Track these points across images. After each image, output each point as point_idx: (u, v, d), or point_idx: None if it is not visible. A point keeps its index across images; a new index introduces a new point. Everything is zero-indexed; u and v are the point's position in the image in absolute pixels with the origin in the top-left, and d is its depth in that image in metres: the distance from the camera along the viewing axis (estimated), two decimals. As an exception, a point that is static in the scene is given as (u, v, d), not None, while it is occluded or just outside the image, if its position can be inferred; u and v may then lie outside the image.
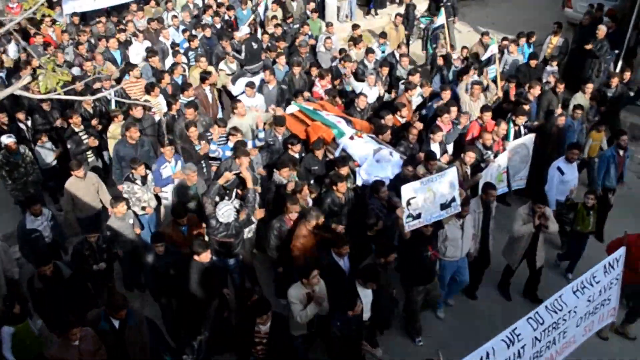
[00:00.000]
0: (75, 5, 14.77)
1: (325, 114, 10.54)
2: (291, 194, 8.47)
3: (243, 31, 14.20)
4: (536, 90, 11.48)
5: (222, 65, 13.14)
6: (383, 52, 14.36)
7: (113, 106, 11.29)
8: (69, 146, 10.37)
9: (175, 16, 15.32)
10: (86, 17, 16.16)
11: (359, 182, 9.31)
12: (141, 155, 9.77)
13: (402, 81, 12.75)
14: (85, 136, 10.43)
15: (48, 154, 10.40)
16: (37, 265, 7.66)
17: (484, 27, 18.43)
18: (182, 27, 15.00)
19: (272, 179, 9.08)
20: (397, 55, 13.49)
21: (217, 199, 8.43)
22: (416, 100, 11.94)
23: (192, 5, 16.85)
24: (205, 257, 7.31)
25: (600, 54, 13.15)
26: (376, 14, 20.02)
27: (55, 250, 8.80)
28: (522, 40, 13.92)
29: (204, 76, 11.85)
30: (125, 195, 8.99)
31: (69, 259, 8.55)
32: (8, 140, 9.58)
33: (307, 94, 11.76)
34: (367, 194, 8.79)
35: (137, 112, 10.43)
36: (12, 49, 13.58)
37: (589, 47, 13.18)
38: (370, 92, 11.88)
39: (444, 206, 7.82)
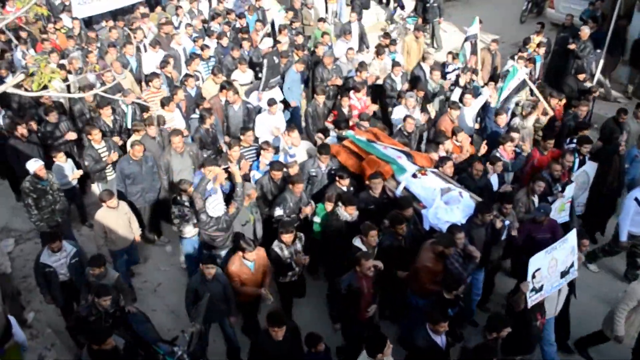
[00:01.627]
0: (84, 10, 14.30)
1: (382, 146, 9.52)
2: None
3: (265, 44, 13.41)
4: (584, 111, 11.02)
5: (235, 75, 12.54)
6: (393, 59, 13.47)
7: (129, 121, 10.82)
8: (86, 163, 9.80)
9: (189, 24, 14.70)
10: (91, 22, 15.75)
11: (426, 227, 8.42)
12: (146, 172, 9.48)
13: (441, 97, 12.31)
14: (105, 152, 9.83)
15: (67, 174, 9.70)
16: (91, 342, 6.56)
17: (469, 27, 18.67)
18: (194, 35, 14.35)
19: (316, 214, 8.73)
20: (427, 69, 12.67)
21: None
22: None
23: (197, 12, 16.29)
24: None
25: (583, 55, 13.32)
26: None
27: (72, 291, 8.06)
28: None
29: (224, 85, 11.31)
30: (176, 221, 8.69)
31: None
32: (36, 165, 8.77)
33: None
34: None
35: (152, 131, 9.99)
36: (18, 56, 13.19)
37: (572, 47, 13.35)
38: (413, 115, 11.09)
39: (563, 273, 7.32)
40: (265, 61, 12.00)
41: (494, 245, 8.27)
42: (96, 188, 10.60)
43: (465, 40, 13.88)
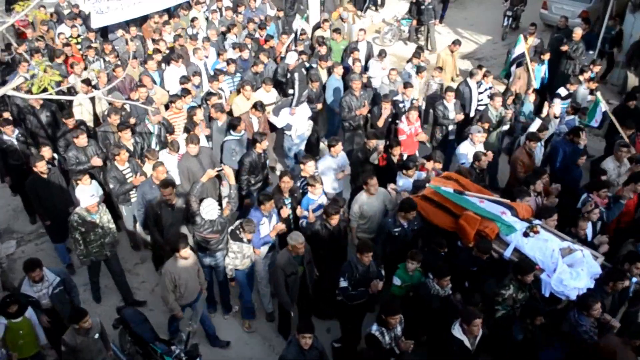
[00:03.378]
0: (102, 19, 13.81)
1: (478, 200, 8.26)
2: None
3: (292, 58, 12.54)
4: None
5: (259, 94, 11.61)
6: (417, 72, 12.79)
7: (154, 142, 10.30)
8: (110, 186, 9.24)
9: (207, 39, 13.85)
10: (106, 32, 15.12)
11: (546, 293, 7.45)
12: None
13: (503, 128, 11.21)
14: (130, 173, 9.34)
15: (91, 198, 8.60)
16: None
17: (463, 28, 18.91)
18: (212, 48, 13.71)
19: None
20: (474, 86, 12.08)
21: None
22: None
23: (217, 22, 15.65)
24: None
25: (575, 56, 13.41)
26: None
27: (57, 320, 7.68)
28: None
29: (256, 105, 10.72)
30: (231, 255, 8.03)
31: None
32: (91, 201, 8.24)
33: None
34: (574, 312, 6.93)
35: (193, 150, 9.34)
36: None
37: (564, 48, 13.46)
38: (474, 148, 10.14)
39: None
40: (296, 75, 11.48)
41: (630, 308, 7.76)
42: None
43: (513, 62, 13.14)
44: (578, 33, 13.55)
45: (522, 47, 12.99)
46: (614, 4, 14.25)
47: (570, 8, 16.67)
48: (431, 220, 8.30)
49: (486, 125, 10.67)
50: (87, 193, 8.66)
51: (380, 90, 12.37)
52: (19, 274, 9.16)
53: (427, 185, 8.62)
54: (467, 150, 10.11)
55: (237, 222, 8.11)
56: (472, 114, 12.15)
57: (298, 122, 11.30)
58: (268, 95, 11.67)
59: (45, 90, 7.46)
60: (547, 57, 13.21)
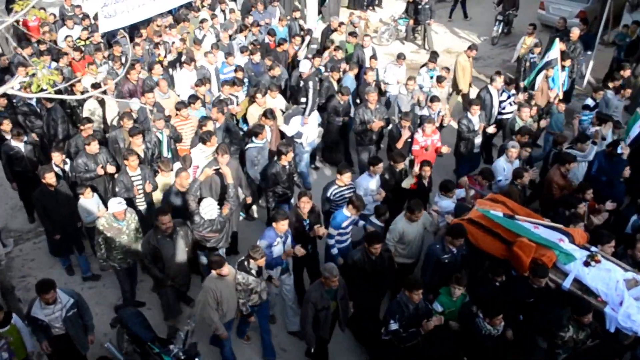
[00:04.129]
0: (110, 23, 13.47)
1: (532, 225, 7.66)
2: None
3: (306, 66, 11.97)
4: None
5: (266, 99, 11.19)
6: (431, 78, 12.52)
7: (165, 149, 10.06)
8: (117, 189, 8.91)
9: (216, 45, 13.47)
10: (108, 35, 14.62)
11: (611, 329, 6.92)
12: None
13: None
14: (139, 181, 8.97)
15: (93, 210, 8.81)
16: None
17: (460, 28, 18.91)
18: (221, 52, 13.24)
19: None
20: (495, 93, 11.56)
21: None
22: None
23: (219, 26, 15.35)
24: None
25: (573, 56, 13.39)
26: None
27: (68, 345, 7.24)
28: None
29: (266, 114, 10.30)
30: (239, 287, 7.34)
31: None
32: (119, 208, 7.99)
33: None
34: None
35: (224, 159, 8.80)
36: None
37: (562, 47, 13.45)
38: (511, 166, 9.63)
39: None
40: (310, 84, 11.27)
41: None
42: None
43: (543, 68, 12.39)
44: (575, 33, 13.57)
45: (557, 52, 12.18)
46: (612, 5, 14.27)
47: (567, 8, 16.70)
48: (480, 247, 7.73)
49: (525, 139, 9.99)
50: (89, 206, 8.71)
51: (399, 102, 11.88)
52: (16, 272, 9.20)
53: (474, 207, 8.04)
54: (503, 167, 9.55)
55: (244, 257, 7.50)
56: (492, 123, 11.57)
57: (309, 129, 11.10)
58: (274, 102, 11.31)
59: (42, 90, 7.52)
60: (568, 63, 12.73)
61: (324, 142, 11.94)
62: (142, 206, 9.10)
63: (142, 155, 9.42)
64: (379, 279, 7.60)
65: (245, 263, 7.27)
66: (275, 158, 9.38)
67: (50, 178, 8.58)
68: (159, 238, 7.68)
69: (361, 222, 8.42)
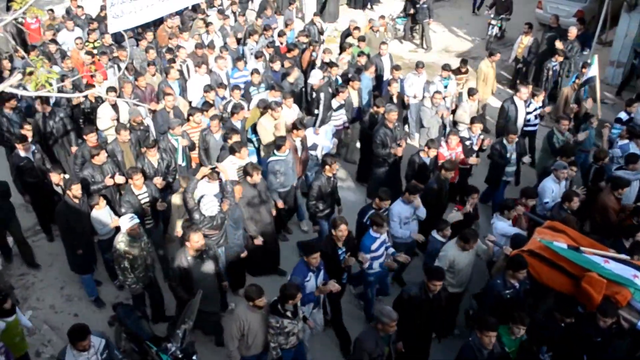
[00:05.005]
0: (119, 24, 13.18)
1: (602, 259, 7.00)
2: None
3: (316, 77, 11.63)
4: None
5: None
6: (445, 87, 12.12)
7: (180, 158, 9.77)
8: (123, 210, 8.44)
9: (225, 47, 13.20)
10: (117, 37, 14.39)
11: None
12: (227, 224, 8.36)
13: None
14: (146, 199, 8.60)
15: (106, 222, 8.55)
16: None
17: (458, 27, 18.96)
18: (229, 56, 13.03)
19: None
20: (521, 105, 11.05)
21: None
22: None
23: (229, 28, 15.10)
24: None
25: (570, 55, 13.42)
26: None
27: None
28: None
29: (297, 125, 9.79)
30: (272, 332, 6.73)
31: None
32: (132, 223, 7.62)
33: None
34: None
35: (256, 177, 8.61)
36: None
37: (560, 45, 13.44)
38: None
39: None
40: (322, 95, 11.01)
41: None
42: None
43: (586, 83, 11.81)
44: (573, 32, 13.59)
45: (595, 69, 11.63)
46: (610, 4, 14.29)
47: (565, 7, 16.71)
48: (543, 282, 7.18)
49: (570, 158, 9.46)
50: (103, 218, 8.47)
51: (422, 115, 11.36)
52: (15, 271, 9.19)
53: (534, 237, 7.40)
54: (552, 188, 8.99)
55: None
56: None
57: (323, 141, 10.85)
58: (289, 111, 10.78)
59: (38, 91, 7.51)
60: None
61: (374, 178, 10.62)
62: (149, 225, 8.75)
63: (155, 165, 9.23)
64: (434, 317, 7.09)
65: (279, 306, 6.63)
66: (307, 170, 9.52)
67: (76, 190, 8.24)
68: (189, 259, 7.34)
69: (391, 250, 8.03)
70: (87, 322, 8.20)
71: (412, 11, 17.39)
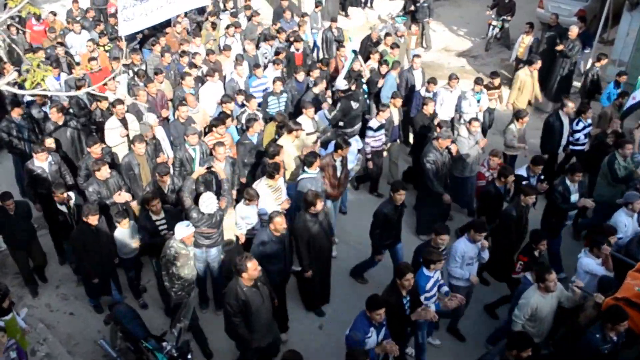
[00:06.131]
0: (130, 26, 12.85)
1: None
2: None
3: (341, 84, 11.10)
4: None
5: (301, 119, 10.09)
6: (478, 101, 11.46)
7: (197, 168, 9.19)
8: (139, 236, 8.23)
9: (241, 55, 12.29)
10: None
11: None
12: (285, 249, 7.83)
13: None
14: (164, 225, 8.09)
15: (129, 241, 8.23)
16: None
17: (459, 26, 18.90)
18: (246, 62, 12.28)
19: None
20: (566, 120, 10.34)
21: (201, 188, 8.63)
22: None
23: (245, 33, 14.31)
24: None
25: (571, 54, 13.34)
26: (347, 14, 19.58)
27: None
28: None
29: (340, 144, 9.01)
30: None
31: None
32: (188, 232, 7.36)
33: None
34: None
35: (320, 205, 7.89)
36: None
37: (560, 47, 13.34)
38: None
39: None
40: (339, 104, 10.48)
41: None
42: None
43: (633, 109, 10.86)
44: (574, 31, 13.43)
45: None
46: (612, 3, 14.23)
47: (566, 7, 16.59)
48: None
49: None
50: (126, 238, 8.17)
51: (459, 146, 9.82)
52: (11, 269, 9.14)
53: (628, 281, 6.70)
54: (624, 222, 8.16)
55: None
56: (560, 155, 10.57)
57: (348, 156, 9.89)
58: (310, 123, 10.18)
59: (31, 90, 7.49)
60: (623, 79, 11.75)
61: (424, 212, 9.92)
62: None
63: (165, 190, 8.73)
64: None
65: None
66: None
67: (93, 220, 7.83)
68: (245, 290, 6.69)
69: (445, 288, 7.35)
70: (83, 321, 8.47)
71: (412, 8, 17.23)
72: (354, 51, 12.85)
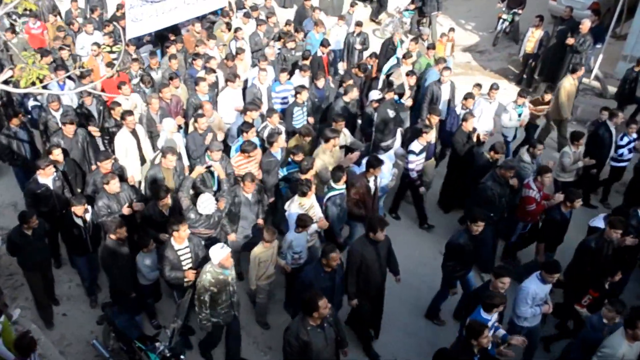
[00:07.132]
0: (138, 28, 12.39)
1: None
2: None
3: (374, 94, 10.49)
4: None
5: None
6: (519, 115, 10.77)
7: (216, 183, 8.89)
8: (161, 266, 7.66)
9: (264, 57, 11.54)
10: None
11: None
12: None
13: None
14: (188, 255, 7.51)
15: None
16: None
17: (467, 20, 18.64)
18: (269, 68, 11.42)
19: None
20: (614, 130, 9.87)
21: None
22: None
23: (262, 34, 13.31)
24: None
25: (582, 49, 13.06)
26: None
27: None
28: None
29: (372, 163, 8.53)
30: None
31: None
32: (224, 254, 6.84)
33: None
34: None
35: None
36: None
37: (570, 42, 13.11)
38: None
39: None
40: (375, 115, 9.89)
41: None
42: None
43: None
44: (586, 25, 13.12)
45: None
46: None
47: (580, -1, 16.31)
48: None
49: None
50: (151, 262, 7.67)
51: (523, 175, 9.10)
52: (4, 271, 9.13)
53: None
54: None
55: None
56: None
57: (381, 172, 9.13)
58: (340, 136, 9.55)
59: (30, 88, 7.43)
60: None
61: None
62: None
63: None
64: None
65: None
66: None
67: (122, 233, 7.53)
68: (308, 330, 6.21)
69: (501, 331, 6.73)
70: (75, 322, 8.41)
71: (419, 3, 16.98)
72: (398, 58, 12.36)
